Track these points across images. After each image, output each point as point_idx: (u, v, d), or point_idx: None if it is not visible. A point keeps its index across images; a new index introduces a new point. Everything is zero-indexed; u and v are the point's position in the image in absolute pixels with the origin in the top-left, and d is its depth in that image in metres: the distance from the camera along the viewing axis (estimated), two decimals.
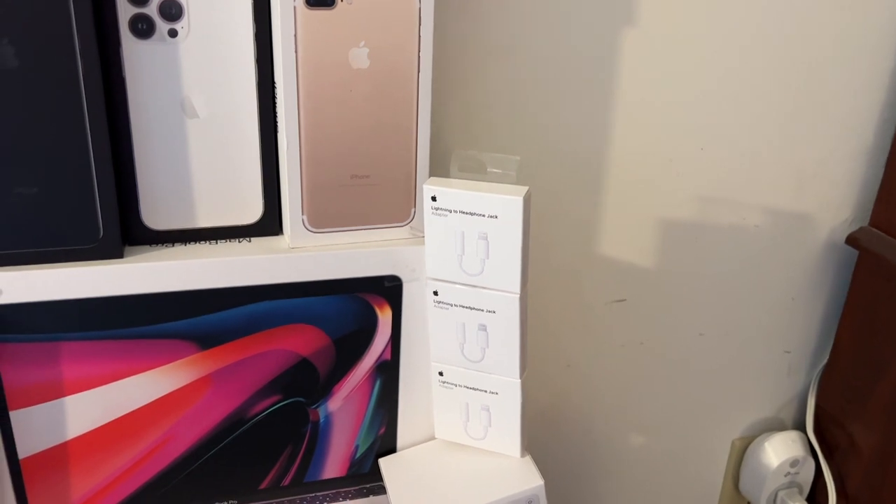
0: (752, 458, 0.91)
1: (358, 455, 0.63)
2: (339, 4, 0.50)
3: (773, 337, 0.88)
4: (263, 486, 0.62)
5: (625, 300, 0.79)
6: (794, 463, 0.89)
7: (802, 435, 0.91)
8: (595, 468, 0.88)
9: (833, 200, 0.82)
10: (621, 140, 0.72)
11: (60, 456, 0.55)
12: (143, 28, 0.49)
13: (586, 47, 0.67)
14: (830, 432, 0.89)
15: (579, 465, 0.86)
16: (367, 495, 0.65)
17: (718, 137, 0.75)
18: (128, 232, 0.53)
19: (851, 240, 0.81)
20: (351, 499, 0.64)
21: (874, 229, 0.80)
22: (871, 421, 0.83)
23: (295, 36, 0.50)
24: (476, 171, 0.54)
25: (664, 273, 0.79)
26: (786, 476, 0.89)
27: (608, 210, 0.74)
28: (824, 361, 0.90)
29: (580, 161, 0.71)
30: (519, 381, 0.58)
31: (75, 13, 0.46)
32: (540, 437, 0.82)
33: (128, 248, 0.54)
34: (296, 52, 0.50)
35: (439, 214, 0.54)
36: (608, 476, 0.89)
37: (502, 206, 0.52)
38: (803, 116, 0.77)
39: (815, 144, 0.78)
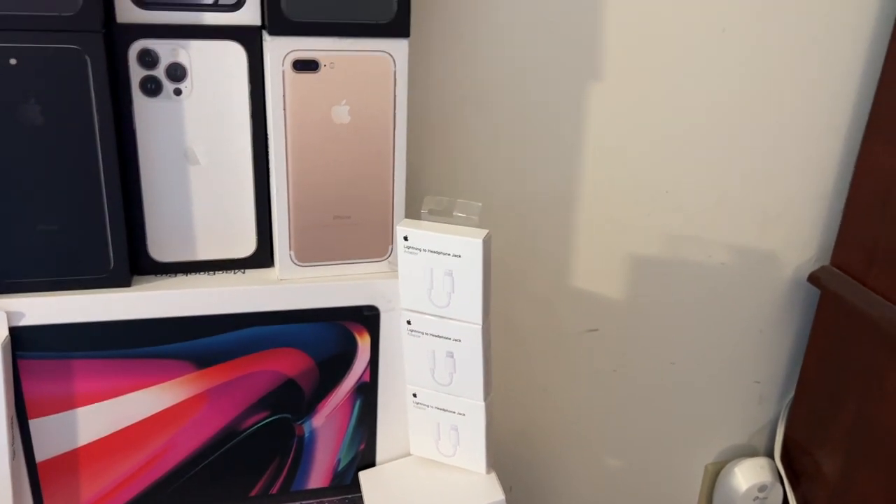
0: (723, 482, 0.96)
1: (340, 468, 0.69)
2: (322, 69, 0.57)
3: (743, 367, 0.93)
4: (253, 493, 0.68)
5: (597, 329, 0.85)
6: (763, 488, 0.94)
7: (771, 462, 0.95)
8: (570, 489, 0.93)
9: (797, 240, 0.87)
10: (590, 182, 0.78)
11: (72, 461, 0.62)
12: (151, 88, 0.56)
13: (555, 97, 0.74)
14: (797, 459, 0.93)
15: (555, 486, 0.92)
16: None
17: (684, 180, 0.80)
18: (135, 263, 0.61)
19: (813, 278, 0.87)
20: None
21: (835, 269, 0.85)
22: (835, 448, 0.87)
23: (284, 96, 0.57)
24: (444, 215, 0.60)
25: (635, 305, 0.85)
26: (754, 500, 0.94)
27: (580, 246, 0.80)
28: (794, 392, 0.95)
29: (552, 201, 0.78)
30: (483, 403, 0.64)
31: (93, 76, 0.53)
32: (516, 458, 0.88)
33: (135, 278, 0.61)
34: (284, 109, 0.57)
35: (411, 252, 0.60)
36: (582, 498, 0.94)
37: (464, 246, 0.58)
38: (767, 161, 0.82)
39: (779, 187, 0.84)
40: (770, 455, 0.97)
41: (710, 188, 0.82)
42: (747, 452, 0.98)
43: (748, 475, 0.93)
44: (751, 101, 0.79)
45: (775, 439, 0.95)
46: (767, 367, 0.94)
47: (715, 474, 0.97)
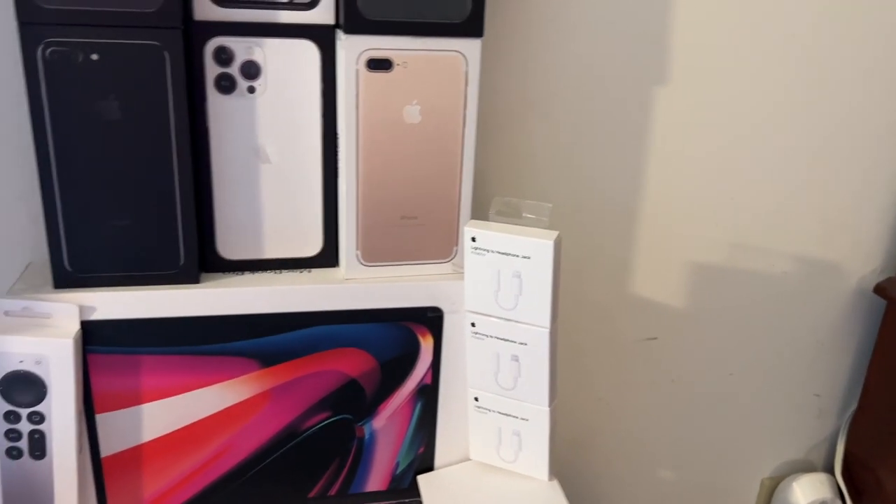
0: (780, 497, 0.94)
1: (399, 471, 0.69)
2: (395, 68, 0.56)
3: (803, 380, 0.91)
4: (312, 494, 0.67)
5: (656, 338, 0.84)
6: None
7: (831, 477, 0.93)
8: (625, 500, 0.91)
9: (861, 250, 0.85)
10: (653, 188, 0.77)
11: (136, 457, 0.62)
12: (226, 85, 0.57)
13: (621, 101, 0.73)
14: (859, 476, 0.91)
15: (609, 495, 0.90)
16: None
17: (748, 187, 0.79)
18: (204, 260, 0.61)
19: (879, 289, 0.84)
20: None
21: None
22: None
23: (357, 95, 0.57)
24: (512, 216, 0.60)
25: (695, 313, 0.83)
26: None
27: (640, 252, 0.79)
28: (854, 406, 0.92)
29: (614, 206, 0.77)
30: (548, 409, 0.63)
31: (171, 73, 0.54)
32: (571, 466, 0.86)
33: (203, 275, 0.61)
34: (357, 108, 0.57)
35: (478, 254, 0.60)
36: None
37: (535, 248, 0.58)
38: (831, 168, 0.81)
39: (843, 196, 0.82)
40: (829, 471, 0.95)
41: (772, 195, 0.80)
42: (806, 467, 0.96)
43: (807, 491, 0.91)
44: (816, 107, 0.78)
45: (835, 454, 0.93)
46: (828, 379, 0.92)
47: (772, 489, 0.95)
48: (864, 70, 0.77)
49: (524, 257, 0.58)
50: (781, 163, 0.79)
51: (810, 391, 0.92)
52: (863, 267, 0.86)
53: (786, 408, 0.92)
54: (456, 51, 0.57)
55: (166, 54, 0.53)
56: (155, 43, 0.53)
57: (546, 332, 0.60)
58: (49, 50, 0.51)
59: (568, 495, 0.65)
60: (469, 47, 0.57)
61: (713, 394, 0.88)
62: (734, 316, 0.85)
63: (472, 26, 0.56)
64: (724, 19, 0.73)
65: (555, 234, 0.58)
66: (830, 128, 0.79)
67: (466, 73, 0.58)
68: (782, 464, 0.95)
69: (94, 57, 0.52)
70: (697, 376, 0.87)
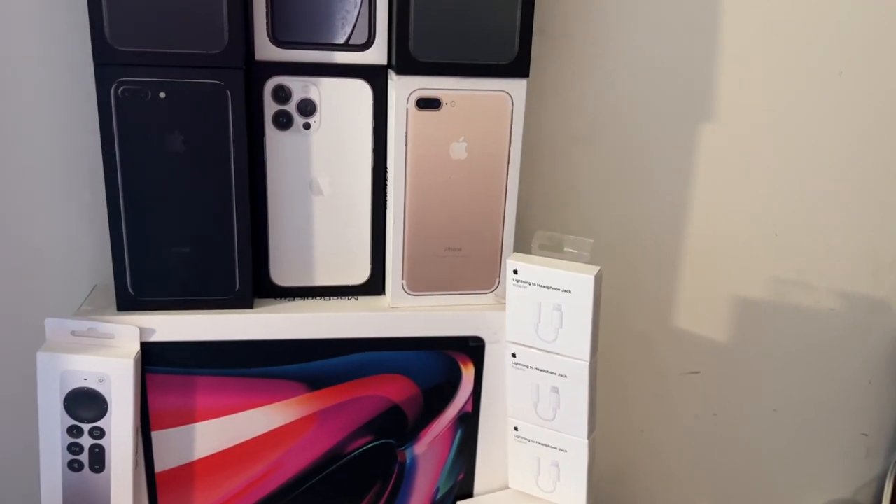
0: None
1: (438, 497, 0.70)
2: (444, 106, 0.59)
3: (850, 418, 0.90)
4: None
5: (699, 372, 0.84)
6: None
7: None
8: None
9: None
10: (697, 222, 0.77)
11: (188, 473, 0.65)
12: (283, 121, 0.60)
13: (665, 136, 0.74)
14: None
15: None
16: None
17: (793, 223, 0.79)
18: (258, 286, 0.64)
19: None
20: None
21: None
22: None
23: (406, 132, 0.59)
24: (554, 250, 0.61)
25: (738, 348, 0.83)
26: None
27: (684, 286, 0.80)
28: None
29: (658, 240, 0.77)
30: (587, 441, 0.64)
31: (232, 110, 0.57)
32: (610, 498, 0.87)
33: (256, 301, 0.64)
34: (406, 144, 0.59)
35: (520, 286, 0.62)
36: None
37: (575, 282, 0.59)
38: (880, 205, 0.80)
39: (893, 233, 0.81)
40: None
41: (819, 231, 0.80)
42: None
43: None
44: (864, 145, 0.78)
45: (882, 495, 0.91)
46: (876, 419, 0.90)
47: None
48: None
49: (565, 291, 0.60)
50: (829, 198, 0.79)
51: (858, 430, 0.90)
52: None
53: (832, 446, 0.91)
54: (502, 90, 0.59)
55: (229, 92, 0.56)
56: (219, 82, 0.56)
57: (585, 364, 0.61)
58: (121, 89, 0.55)
59: None
60: (515, 87, 0.59)
61: (756, 430, 0.88)
62: (779, 352, 0.84)
63: (518, 67, 0.59)
64: (770, 56, 0.73)
65: (596, 268, 0.59)
66: (879, 164, 0.79)
67: (512, 112, 0.60)
68: (827, 503, 0.93)
69: (162, 95, 0.56)
70: (740, 411, 0.86)
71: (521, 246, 0.66)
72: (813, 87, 0.75)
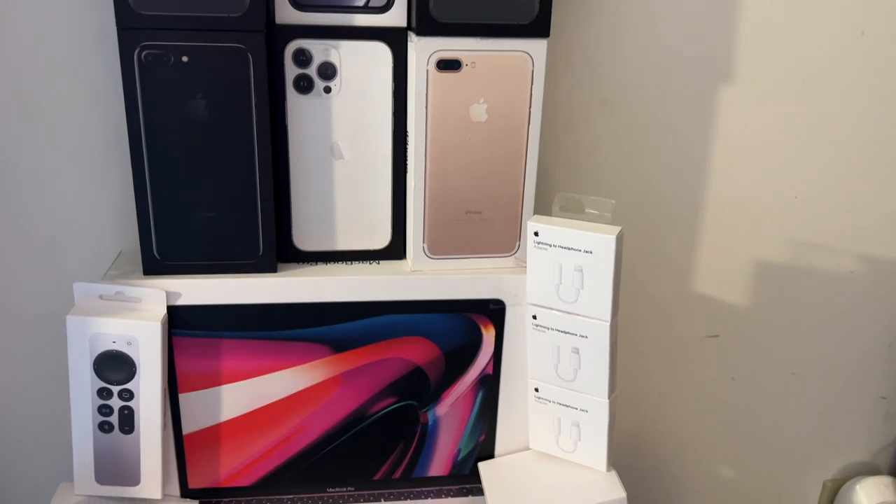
0: (843, 500, 0.93)
1: (460, 457, 0.71)
2: (464, 68, 0.59)
3: (869, 382, 0.90)
4: (377, 477, 0.70)
5: (718, 336, 0.84)
6: None
7: None
8: (683, 498, 0.92)
9: None
10: (718, 185, 0.77)
11: (214, 435, 0.66)
12: (304, 85, 0.60)
13: (686, 99, 0.74)
14: None
15: (667, 490, 0.91)
16: (466, 495, 0.72)
17: (813, 187, 0.79)
18: (281, 250, 0.64)
19: None
20: (452, 496, 0.72)
21: None
22: None
23: (427, 94, 0.59)
24: (575, 212, 0.62)
25: (757, 312, 0.83)
26: None
27: (703, 250, 0.80)
28: None
29: (677, 205, 0.77)
30: (607, 400, 0.65)
31: (254, 73, 0.57)
32: (630, 459, 0.87)
33: (280, 265, 0.64)
34: (426, 107, 0.60)
35: (541, 248, 0.62)
36: None
37: (597, 243, 0.59)
38: None
39: None
40: (893, 474, 0.93)
41: (840, 194, 0.80)
42: (869, 470, 0.94)
43: (871, 494, 0.90)
44: (885, 107, 0.77)
45: None
46: (895, 382, 0.90)
47: (834, 491, 0.94)
48: None
49: (586, 252, 0.60)
50: (849, 162, 0.79)
51: (877, 393, 0.91)
52: None
53: (850, 409, 0.91)
54: (523, 51, 0.59)
55: (250, 56, 0.57)
56: (240, 46, 0.56)
57: (606, 325, 0.62)
58: (144, 53, 0.56)
59: (626, 488, 0.66)
60: (535, 48, 0.59)
61: (775, 393, 0.88)
62: (798, 315, 0.85)
63: (538, 27, 0.58)
64: (792, 17, 0.73)
65: (617, 229, 0.59)
66: None
67: (532, 73, 0.60)
68: (846, 466, 0.94)
69: (185, 59, 0.56)
70: (759, 375, 0.87)
71: (542, 209, 0.66)
72: (835, 48, 0.74)
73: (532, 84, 0.61)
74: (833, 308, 0.85)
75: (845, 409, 0.91)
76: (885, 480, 0.91)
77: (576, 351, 0.64)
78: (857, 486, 0.91)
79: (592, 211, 0.61)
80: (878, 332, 0.87)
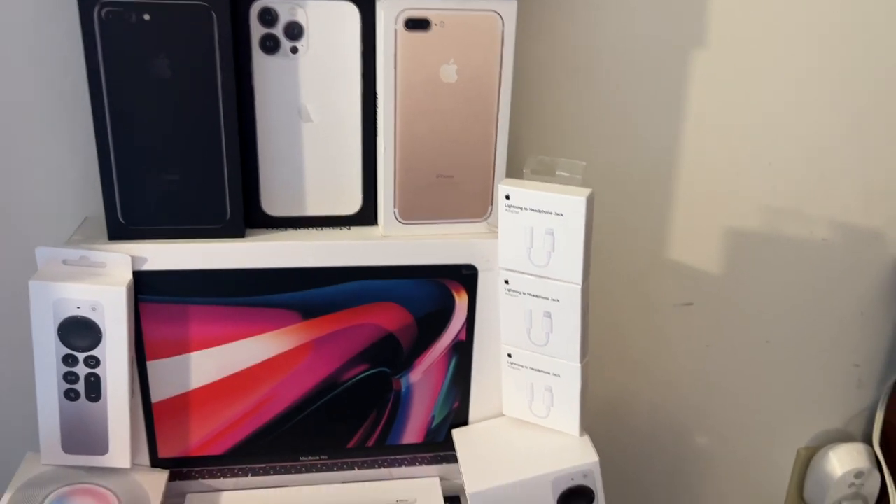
0: (816, 467, 0.93)
1: (434, 425, 0.71)
2: (433, 27, 0.58)
3: (842, 349, 0.90)
4: (351, 445, 0.70)
5: (692, 304, 0.84)
6: (859, 474, 0.91)
7: (868, 447, 0.92)
8: (658, 466, 0.92)
9: None
10: (691, 152, 0.77)
11: (184, 403, 0.66)
12: (270, 45, 0.59)
13: (658, 65, 0.73)
14: None
15: (642, 458, 0.91)
16: (440, 462, 0.72)
17: (786, 153, 0.79)
18: (249, 216, 0.63)
19: None
20: (427, 464, 0.72)
21: None
22: None
23: (395, 54, 0.58)
24: (546, 174, 0.61)
25: (731, 280, 0.84)
26: (850, 487, 0.91)
27: (676, 217, 0.79)
28: (895, 376, 0.91)
29: (650, 171, 0.77)
30: (579, 365, 0.65)
31: (218, 33, 0.56)
32: (605, 426, 0.88)
33: (248, 230, 0.63)
34: (395, 67, 0.59)
35: (512, 211, 0.61)
36: (670, 475, 0.93)
37: (567, 205, 0.59)
38: (874, 137, 0.80)
39: (886, 164, 0.81)
40: (867, 441, 0.94)
41: (813, 161, 0.80)
42: (843, 437, 0.95)
43: (844, 460, 0.91)
44: (857, 73, 0.77)
45: (874, 425, 0.93)
46: (868, 350, 0.91)
47: (808, 459, 0.95)
48: None
49: (557, 214, 0.60)
50: (823, 129, 0.79)
51: (849, 361, 0.91)
52: None
53: (824, 377, 0.92)
54: (492, 10, 0.58)
55: (214, 14, 0.55)
56: (203, 3, 0.55)
57: (578, 288, 0.61)
58: (104, 10, 0.54)
59: (600, 454, 0.66)
60: (505, 7, 0.58)
61: (749, 361, 0.89)
62: (772, 283, 0.85)
63: None
64: None
65: (587, 191, 0.59)
66: (875, 94, 0.78)
67: (503, 33, 0.59)
68: (819, 433, 0.95)
69: (146, 17, 0.55)
70: (733, 343, 0.87)
71: (514, 173, 0.65)
72: (809, 13, 0.74)
73: (503, 45, 0.60)
74: (807, 276, 0.85)
75: (819, 377, 0.92)
76: (858, 447, 0.92)
77: (548, 315, 0.64)
78: (831, 453, 0.92)
79: (563, 173, 0.60)
80: (852, 300, 0.88)
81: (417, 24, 0.58)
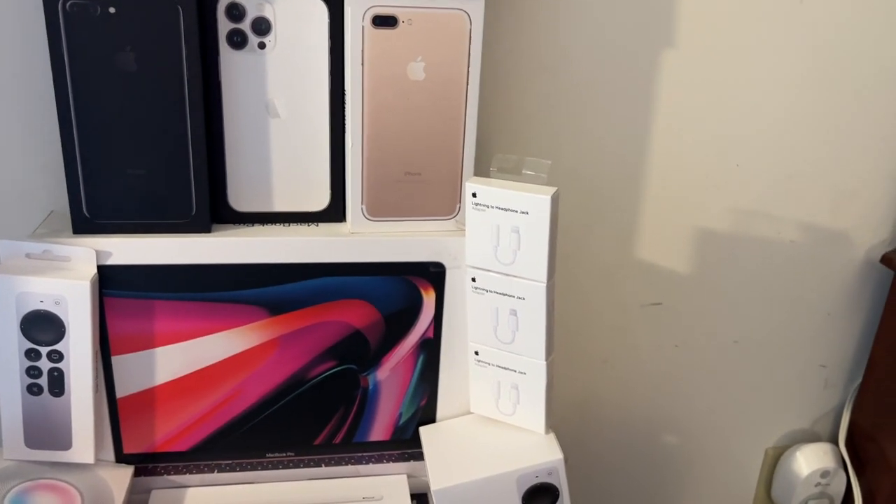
0: (784, 467, 0.95)
1: (401, 422, 0.71)
2: (400, 25, 0.58)
3: (809, 350, 0.91)
4: (318, 441, 0.70)
5: (661, 304, 0.85)
6: (825, 474, 0.92)
7: (835, 447, 0.94)
8: (627, 465, 0.93)
9: (870, 220, 0.85)
10: (660, 152, 0.78)
11: (149, 399, 0.65)
12: (237, 40, 0.59)
13: (627, 65, 0.74)
14: (862, 446, 0.91)
15: (611, 460, 0.92)
16: (407, 460, 0.72)
17: (754, 154, 0.80)
18: (216, 211, 0.63)
19: (886, 259, 0.85)
20: (394, 461, 0.72)
21: None
22: None
23: (362, 51, 0.58)
24: (513, 173, 0.61)
25: (700, 280, 0.84)
26: (816, 486, 0.92)
27: (646, 217, 0.80)
28: (861, 377, 0.93)
29: (618, 171, 0.78)
30: (545, 362, 0.65)
31: (184, 27, 0.56)
32: (573, 425, 0.88)
33: (215, 225, 0.63)
34: (363, 64, 0.59)
35: (479, 209, 0.62)
36: (639, 474, 0.94)
37: (533, 203, 0.59)
38: (842, 139, 0.81)
39: (853, 166, 0.82)
40: (834, 441, 0.95)
41: (781, 163, 0.81)
42: (810, 438, 0.96)
43: (811, 460, 0.92)
44: (827, 73, 0.78)
45: (840, 425, 0.94)
46: (834, 350, 0.92)
47: (775, 458, 0.96)
48: (877, 39, 0.77)
49: (522, 212, 0.60)
50: (791, 131, 0.80)
51: (816, 361, 0.92)
52: (871, 237, 0.86)
53: (791, 377, 0.93)
54: (460, 9, 0.59)
55: (180, 8, 0.55)
56: None
57: (543, 286, 0.62)
58: (69, 3, 0.54)
59: (569, 454, 0.67)
60: (473, 5, 0.59)
61: (717, 361, 0.89)
62: (740, 283, 0.86)
63: None
64: None
65: (553, 189, 0.59)
66: (841, 96, 0.79)
67: (470, 32, 0.60)
68: (787, 433, 0.96)
69: (112, 10, 0.55)
70: (701, 343, 0.88)
71: (483, 171, 0.66)
72: (776, 14, 0.75)
73: (470, 43, 0.60)
74: (774, 276, 0.86)
75: (786, 378, 0.93)
76: (824, 447, 0.93)
77: (514, 313, 0.64)
78: (798, 453, 0.93)
79: (529, 172, 0.61)
80: (818, 301, 0.89)
81: (385, 22, 0.58)
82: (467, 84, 0.61)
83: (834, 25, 0.76)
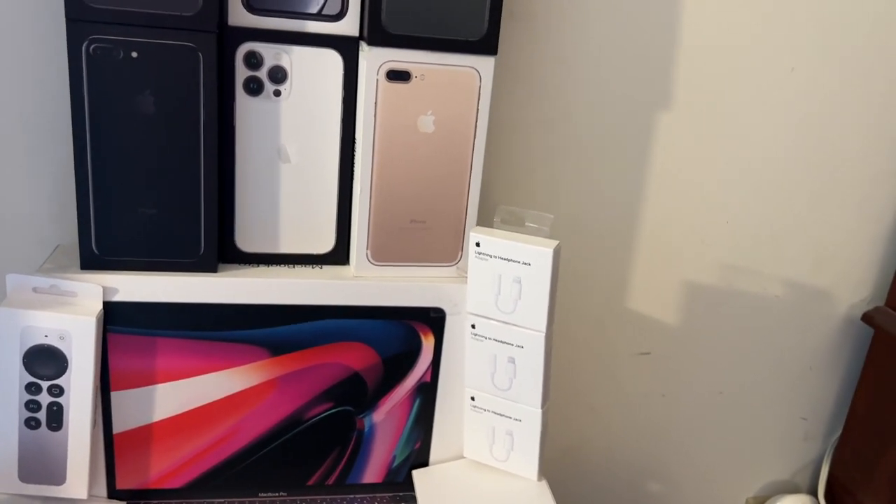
0: None
1: (395, 465, 0.72)
2: (413, 80, 0.60)
3: (790, 403, 0.93)
4: (311, 482, 0.70)
5: (649, 353, 0.87)
6: None
7: (814, 499, 0.95)
8: None
9: (851, 279, 0.88)
10: (653, 207, 0.80)
11: (146, 435, 0.65)
12: (253, 87, 0.61)
13: (624, 125, 0.77)
14: (841, 499, 0.93)
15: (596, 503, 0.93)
16: (399, 502, 0.73)
17: (743, 212, 0.82)
18: (222, 251, 0.64)
19: (867, 318, 0.87)
20: None
21: (889, 309, 0.86)
22: (879, 489, 0.87)
23: (375, 103, 0.60)
24: (516, 225, 0.63)
25: (688, 332, 0.86)
26: None
27: (637, 270, 0.82)
28: (840, 430, 0.95)
29: (612, 224, 0.80)
30: (540, 410, 0.66)
31: (203, 73, 0.57)
32: (562, 472, 0.89)
33: (221, 265, 0.64)
34: (375, 116, 0.61)
35: (482, 258, 0.63)
36: None
37: (535, 255, 0.61)
38: (825, 201, 0.84)
39: (835, 225, 0.85)
40: (813, 493, 0.97)
41: (767, 221, 0.84)
42: (789, 489, 0.98)
43: None
44: (812, 140, 0.81)
45: (819, 477, 0.96)
46: (815, 404, 0.94)
47: None
48: (862, 106, 0.81)
49: (525, 264, 0.62)
50: (778, 191, 0.83)
51: (797, 414, 0.94)
52: (852, 295, 0.89)
53: (773, 429, 0.95)
54: (471, 67, 0.61)
55: (200, 55, 0.57)
56: (191, 45, 0.56)
57: (542, 336, 0.63)
58: (93, 46, 0.55)
59: (557, 499, 0.68)
60: (483, 64, 0.61)
61: (702, 411, 0.91)
62: (726, 336, 0.88)
63: (487, 44, 0.60)
64: (728, 51, 0.76)
65: (555, 243, 0.61)
66: (826, 158, 0.82)
67: (480, 88, 0.62)
68: (767, 484, 0.97)
69: (134, 55, 0.56)
70: (687, 393, 0.90)
71: (485, 221, 0.67)
72: (767, 82, 0.78)
73: (479, 99, 0.62)
74: (759, 330, 0.88)
75: (768, 429, 0.95)
76: (804, 499, 0.95)
77: (512, 361, 0.65)
78: None
79: (532, 224, 0.63)
80: (801, 356, 0.91)
81: (399, 76, 0.60)
82: (474, 138, 0.63)
83: (819, 96, 0.80)
